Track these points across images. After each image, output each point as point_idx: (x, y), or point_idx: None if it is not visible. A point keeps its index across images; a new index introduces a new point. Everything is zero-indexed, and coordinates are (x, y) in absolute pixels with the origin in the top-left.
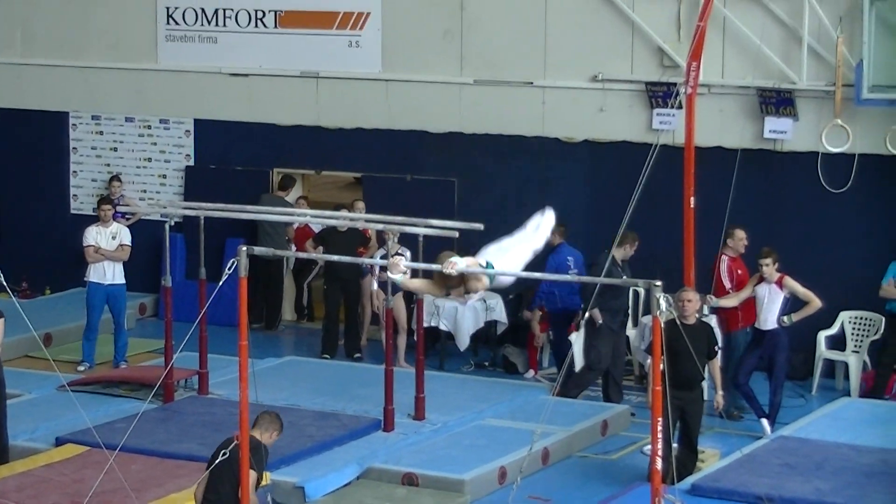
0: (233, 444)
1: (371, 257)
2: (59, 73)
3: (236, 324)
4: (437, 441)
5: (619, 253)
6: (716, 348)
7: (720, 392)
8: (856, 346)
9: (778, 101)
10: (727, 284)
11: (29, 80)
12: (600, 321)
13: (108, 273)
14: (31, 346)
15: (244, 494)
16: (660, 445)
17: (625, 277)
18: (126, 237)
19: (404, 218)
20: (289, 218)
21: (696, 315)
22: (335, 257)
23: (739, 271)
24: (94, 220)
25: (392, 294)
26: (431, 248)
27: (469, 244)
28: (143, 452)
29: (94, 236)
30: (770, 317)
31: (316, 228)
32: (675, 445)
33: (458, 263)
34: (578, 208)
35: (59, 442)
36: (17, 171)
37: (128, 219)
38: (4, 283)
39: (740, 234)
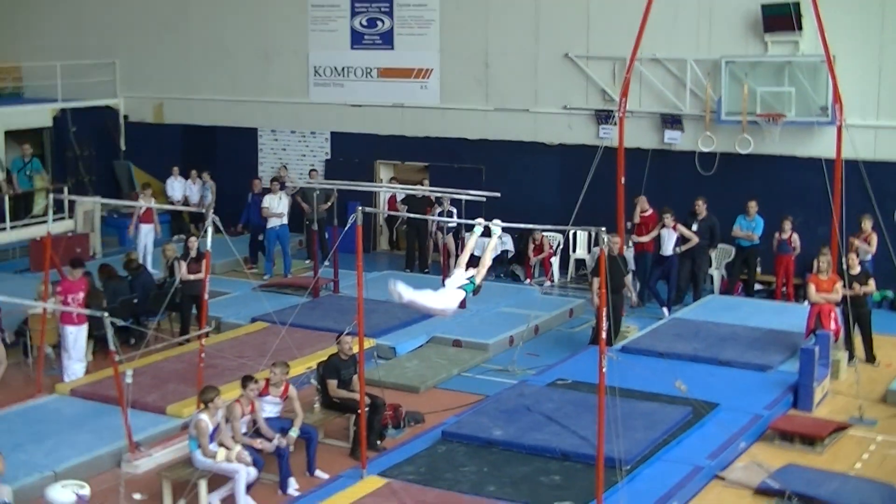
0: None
1: (434, 213)
2: (251, 105)
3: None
4: (473, 321)
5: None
6: (628, 269)
7: (633, 293)
8: (717, 265)
9: (672, 121)
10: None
11: (233, 110)
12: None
13: (278, 221)
14: (236, 265)
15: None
16: (603, 324)
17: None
18: (286, 201)
19: (453, 189)
20: (388, 188)
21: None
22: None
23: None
24: (270, 191)
25: (446, 234)
26: (470, 209)
27: (491, 206)
28: (301, 327)
29: (269, 201)
30: (668, 247)
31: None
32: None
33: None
34: (553, 187)
35: (253, 320)
36: (229, 164)
37: (292, 188)
38: (220, 227)
39: (644, 202)
